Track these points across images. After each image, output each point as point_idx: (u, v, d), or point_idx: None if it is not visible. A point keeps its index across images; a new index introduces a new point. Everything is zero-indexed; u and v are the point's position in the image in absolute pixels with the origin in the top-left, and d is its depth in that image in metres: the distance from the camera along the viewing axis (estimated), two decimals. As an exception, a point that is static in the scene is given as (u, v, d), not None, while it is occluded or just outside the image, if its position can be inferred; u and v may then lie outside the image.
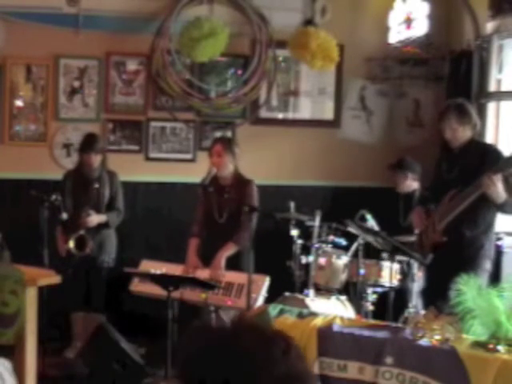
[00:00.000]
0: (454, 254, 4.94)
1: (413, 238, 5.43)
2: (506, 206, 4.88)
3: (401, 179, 6.20)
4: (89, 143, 6.01)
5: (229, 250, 5.42)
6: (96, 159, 6.01)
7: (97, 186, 6.01)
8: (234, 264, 5.39)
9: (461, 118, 5.11)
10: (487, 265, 5.05)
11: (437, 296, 4.77)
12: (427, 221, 5.23)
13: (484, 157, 4.98)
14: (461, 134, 5.12)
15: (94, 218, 5.94)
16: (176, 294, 4.77)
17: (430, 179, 6.34)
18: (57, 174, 6.34)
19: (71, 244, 5.86)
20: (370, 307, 5.56)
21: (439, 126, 5.25)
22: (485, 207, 4.93)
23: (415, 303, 5.39)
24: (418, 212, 5.35)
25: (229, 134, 6.79)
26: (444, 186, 5.12)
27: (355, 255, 5.55)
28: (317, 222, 5.58)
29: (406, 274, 5.53)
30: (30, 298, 4.55)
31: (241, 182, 5.56)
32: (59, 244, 5.95)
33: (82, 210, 5.92)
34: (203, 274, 5.32)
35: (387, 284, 5.55)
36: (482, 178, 4.76)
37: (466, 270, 4.12)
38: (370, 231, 5.38)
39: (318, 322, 3.92)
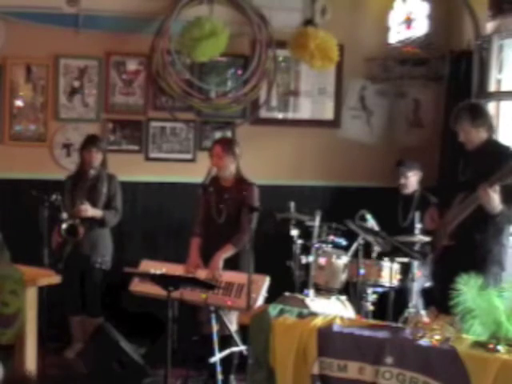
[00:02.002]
0: (463, 257, 4.90)
1: (412, 238, 5.43)
2: (499, 217, 4.85)
3: (410, 178, 6.19)
4: (90, 140, 6.05)
5: (227, 252, 5.41)
6: (97, 157, 6.02)
7: (93, 181, 6.01)
8: (234, 264, 5.39)
9: (474, 119, 5.02)
10: (495, 269, 4.99)
11: (444, 297, 4.76)
12: (439, 222, 5.19)
13: (497, 161, 4.83)
14: (474, 135, 5.03)
15: (88, 209, 5.91)
16: (176, 294, 4.77)
17: (430, 179, 6.37)
18: (57, 174, 6.35)
19: (63, 226, 5.80)
20: (370, 307, 5.56)
21: (453, 128, 5.18)
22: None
23: (415, 303, 5.40)
24: (431, 213, 5.32)
25: (229, 134, 6.80)
26: (457, 187, 5.07)
27: (355, 255, 5.56)
28: (317, 222, 5.58)
29: (405, 274, 5.54)
30: (30, 298, 4.55)
31: (242, 184, 5.55)
32: (53, 240, 5.89)
33: (77, 201, 5.91)
34: (202, 274, 5.32)
35: (387, 284, 5.55)
36: (478, 189, 4.72)
37: (474, 273, 4.07)
38: (369, 231, 5.38)
39: (318, 322, 3.92)
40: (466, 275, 3.67)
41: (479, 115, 5.06)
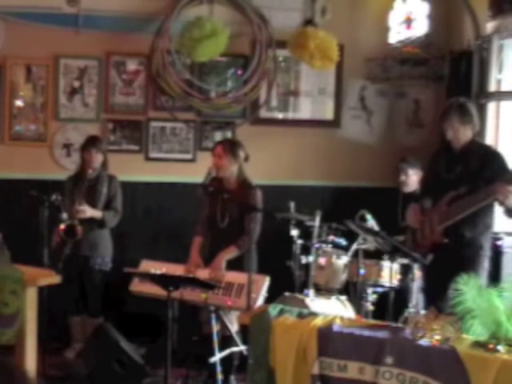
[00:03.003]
0: (453, 255, 4.95)
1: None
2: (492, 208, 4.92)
3: (411, 177, 6.20)
4: (90, 141, 6.05)
5: (230, 253, 5.41)
6: (97, 157, 6.02)
7: (94, 183, 6.02)
8: (235, 264, 5.39)
9: (462, 117, 5.08)
10: (486, 264, 5.08)
11: (437, 296, 4.77)
12: (423, 219, 5.22)
13: (485, 159, 4.95)
14: (462, 134, 5.10)
15: (87, 209, 5.91)
16: (176, 294, 4.77)
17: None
18: (57, 174, 6.35)
19: (62, 227, 5.80)
20: (370, 307, 5.56)
21: (441, 126, 5.22)
22: (484, 209, 4.93)
23: (415, 303, 5.39)
24: (414, 209, 5.35)
25: (229, 134, 6.80)
26: (442, 186, 5.11)
27: (355, 255, 5.55)
28: (317, 222, 5.58)
29: (405, 274, 5.53)
30: (30, 298, 4.55)
31: (245, 187, 5.53)
32: (53, 239, 5.89)
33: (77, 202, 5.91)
34: (203, 274, 5.32)
35: (387, 284, 5.55)
36: (495, 186, 4.74)
37: (467, 269, 4.12)
38: (369, 231, 5.37)
39: (318, 322, 3.92)
40: (459, 273, 3.68)
41: (467, 113, 5.11)
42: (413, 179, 6.23)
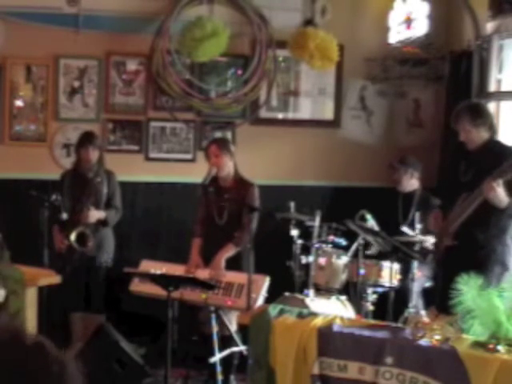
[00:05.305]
0: (465, 257, 4.89)
1: (412, 238, 5.43)
2: (509, 210, 4.85)
3: (402, 176, 6.16)
4: (86, 138, 6.02)
5: (229, 251, 5.42)
6: (94, 154, 6.00)
7: (95, 182, 6.01)
8: (234, 264, 5.40)
9: (474, 119, 5.02)
10: (498, 269, 4.98)
11: (446, 298, 4.75)
12: (444, 224, 5.18)
13: (501, 159, 4.82)
14: (475, 135, 5.03)
15: (95, 214, 5.92)
16: (176, 294, 4.77)
17: (430, 179, 6.37)
18: (57, 174, 6.34)
19: (73, 237, 5.82)
20: (370, 307, 5.56)
21: (453, 127, 5.18)
22: (498, 210, 4.86)
23: (415, 303, 5.40)
24: (436, 215, 5.31)
25: (229, 134, 6.80)
26: (459, 188, 5.07)
27: (355, 255, 5.56)
28: (317, 222, 5.58)
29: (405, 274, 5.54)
30: (30, 298, 4.55)
31: (242, 184, 5.55)
32: (56, 242, 5.90)
33: (82, 206, 5.90)
34: (203, 274, 5.32)
35: (387, 284, 5.55)
36: (483, 184, 4.72)
37: (477, 272, 4.07)
38: (369, 231, 5.38)
39: (318, 322, 3.92)
40: (468, 275, 3.67)
41: (479, 115, 5.06)
42: (404, 178, 6.18)
